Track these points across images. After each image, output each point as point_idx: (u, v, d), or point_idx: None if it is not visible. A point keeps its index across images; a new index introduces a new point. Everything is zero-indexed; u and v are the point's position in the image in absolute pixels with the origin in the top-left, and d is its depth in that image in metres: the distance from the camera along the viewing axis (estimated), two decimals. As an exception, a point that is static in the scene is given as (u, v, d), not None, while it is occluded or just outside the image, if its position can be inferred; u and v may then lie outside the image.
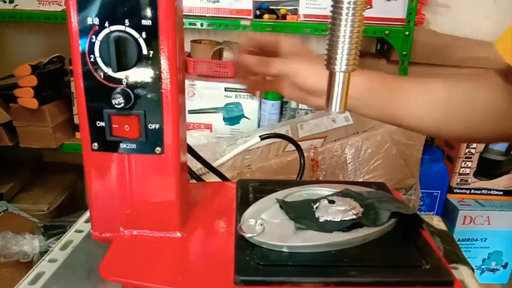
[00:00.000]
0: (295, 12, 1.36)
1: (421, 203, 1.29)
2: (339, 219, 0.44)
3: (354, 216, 0.44)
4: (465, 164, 1.32)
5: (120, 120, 0.42)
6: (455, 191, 1.36)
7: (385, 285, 0.40)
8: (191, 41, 1.50)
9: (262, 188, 0.54)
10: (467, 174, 1.33)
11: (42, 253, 1.17)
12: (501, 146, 1.29)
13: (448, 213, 1.35)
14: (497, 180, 1.32)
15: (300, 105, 1.41)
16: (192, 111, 1.43)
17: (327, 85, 0.41)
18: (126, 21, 0.39)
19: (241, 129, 1.44)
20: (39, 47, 1.64)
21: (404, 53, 1.30)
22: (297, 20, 1.34)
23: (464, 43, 1.37)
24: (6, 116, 1.37)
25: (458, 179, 1.34)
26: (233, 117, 1.44)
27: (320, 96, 0.54)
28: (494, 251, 1.36)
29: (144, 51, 0.40)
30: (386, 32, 1.29)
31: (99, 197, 0.46)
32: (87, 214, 0.64)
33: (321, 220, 0.45)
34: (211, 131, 1.45)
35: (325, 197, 0.48)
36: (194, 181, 0.63)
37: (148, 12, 0.39)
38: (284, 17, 1.36)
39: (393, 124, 0.59)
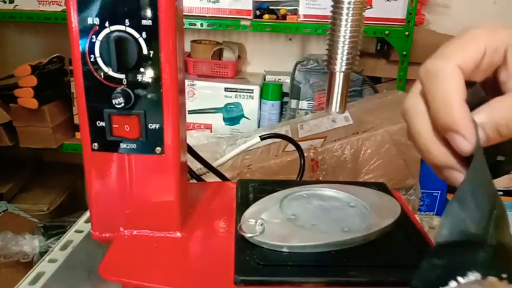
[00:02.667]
0: (295, 12, 1.36)
1: (421, 203, 1.28)
2: None
3: None
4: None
5: (120, 120, 0.42)
6: (455, 191, 1.36)
7: (385, 285, 0.40)
8: (191, 41, 1.50)
9: (262, 188, 0.54)
10: (467, 174, 1.33)
11: (42, 253, 1.17)
12: (501, 146, 1.29)
13: (448, 213, 1.35)
14: (497, 180, 1.31)
15: (299, 105, 1.41)
16: (192, 111, 1.43)
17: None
18: (127, 21, 0.39)
19: (241, 129, 1.44)
20: (39, 47, 1.64)
21: (404, 53, 1.30)
22: (297, 20, 1.34)
23: (464, 43, 1.37)
24: (6, 116, 1.37)
25: (458, 179, 1.34)
26: (233, 118, 1.44)
27: None
28: (494, 251, 1.36)
29: (145, 51, 0.40)
30: (386, 32, 1.29)
31: (99, 197, 0.46)
32: (87, 214, 0.64)
33: None
34: (211, 131, 1.45)
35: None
36: (194, 181, 0.63)
37: (149, 12, 0.39)
38: (284, 17, 1.37)
39: None
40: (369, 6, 1.29)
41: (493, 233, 0.28)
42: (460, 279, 0.27)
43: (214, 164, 0.65)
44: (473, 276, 0.27)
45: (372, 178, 0.96)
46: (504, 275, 0.26)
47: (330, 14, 0.41)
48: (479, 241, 0.28)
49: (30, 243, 1.21)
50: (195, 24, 1.33)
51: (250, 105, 1.42)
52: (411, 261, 0.42)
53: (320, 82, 1.38)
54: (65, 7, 1.41)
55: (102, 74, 0.41)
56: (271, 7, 1.38)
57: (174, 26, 0.40)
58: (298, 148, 0.70)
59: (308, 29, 1.32)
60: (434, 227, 0.68)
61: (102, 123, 0.42)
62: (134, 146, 0.43)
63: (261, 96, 1.44)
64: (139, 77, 0.41)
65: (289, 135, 1.09)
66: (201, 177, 0.65)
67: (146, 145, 0.43)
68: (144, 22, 0.39)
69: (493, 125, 0.30)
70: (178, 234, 0.47)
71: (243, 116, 1.44)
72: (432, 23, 1.53)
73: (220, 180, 0.64)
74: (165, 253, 0.45)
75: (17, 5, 1.40)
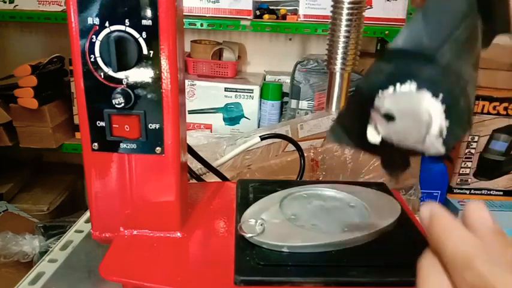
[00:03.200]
0: (295, 12, 1.36)
1: (421, 203, 1.28)
2: None
3: None
4: (465, 164, 1.32)
5: (120, 120, 0.42)
6: (455, 191, 1.36)
7: (385, 285, 0.40)
8: (191, 41, 1.50)
9: (262, 188, 0.54)
10: (467, 174, 1.33)
11: (42, 253, 1.17)
12: (501, 146, 1.29)
13: (448, 214, 1.35)
14: (497, 180, 1.31)
15: (299, 105, 1.41)
16: (192, 111, 1.43)
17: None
18: (127, 21, 0.39)
19: (241, 129, 1.44)
20: (39, 47, 1.64)
21: (404, 53, 1.30)
22: (297, 20, 1.34)
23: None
24: (6, 116, 1.37)
25: (458, 179, 1.34)
26: (233, 118, 1.44)
27: None
28: (494, 251, 1.36)
29: (145, 51, 0.40)
30: (386, 32, 1.29)
31: (99, 197, 0.46)
32: (87, 214, 0.64)
33: None
34: (211, 131, 1.45)
35: None
36: (194, 181, 0.63)
37: (149, 12, 0.39)
38: (284, 17, 1.37)
39: None
40: (369, 6, 1.29)
41: (447, 54, 0.27)
42: (398, 85, 0.28)
43: (214, 164, 0.65)
44: (409, 86, 0.28)
45: (372, 178, 0.96)
46: (440, 94, 0.27)
47: (330, 14, 0.41)
48: (429, 56, 0.28)
49: (30, 243, 1.21)
50: (195, 24, 1.33)
51: (250, 105, 1.42)
52: (411, 261, 0.42)
53: (320, 82, 1.38)
54: (65, 7, 1.40)
55: (102, 74, 0.41)
56: (271, 7, 1.38)
57: (174, 26, 0.40)
58: (298, 148, 0.70)
59: (308, 29, 1.32)
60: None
61: (102, 123, 0.42)
62: (134, 146, 0.43)
63: (261, 96, 1.44)
64: (139, 77, 0.41)
65: (289, 135, 1.09)
66: (201, 177, 0.65)
67: (146, 145, 0.43)
68: (144, 22, 0.39)
69: None
70: (178, 234, 0.47)
71: (243, 116, 1.44)
72: (432, 23, 1.53)
73: (220, 180, 0.64)
74: (165, 253, 0.45)
75: (17, 5, 1.40)
